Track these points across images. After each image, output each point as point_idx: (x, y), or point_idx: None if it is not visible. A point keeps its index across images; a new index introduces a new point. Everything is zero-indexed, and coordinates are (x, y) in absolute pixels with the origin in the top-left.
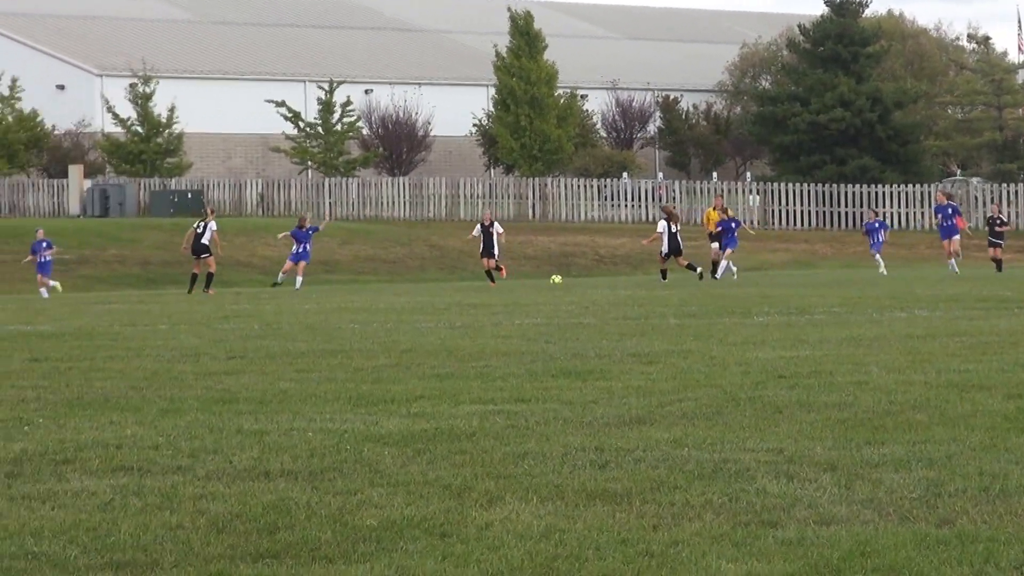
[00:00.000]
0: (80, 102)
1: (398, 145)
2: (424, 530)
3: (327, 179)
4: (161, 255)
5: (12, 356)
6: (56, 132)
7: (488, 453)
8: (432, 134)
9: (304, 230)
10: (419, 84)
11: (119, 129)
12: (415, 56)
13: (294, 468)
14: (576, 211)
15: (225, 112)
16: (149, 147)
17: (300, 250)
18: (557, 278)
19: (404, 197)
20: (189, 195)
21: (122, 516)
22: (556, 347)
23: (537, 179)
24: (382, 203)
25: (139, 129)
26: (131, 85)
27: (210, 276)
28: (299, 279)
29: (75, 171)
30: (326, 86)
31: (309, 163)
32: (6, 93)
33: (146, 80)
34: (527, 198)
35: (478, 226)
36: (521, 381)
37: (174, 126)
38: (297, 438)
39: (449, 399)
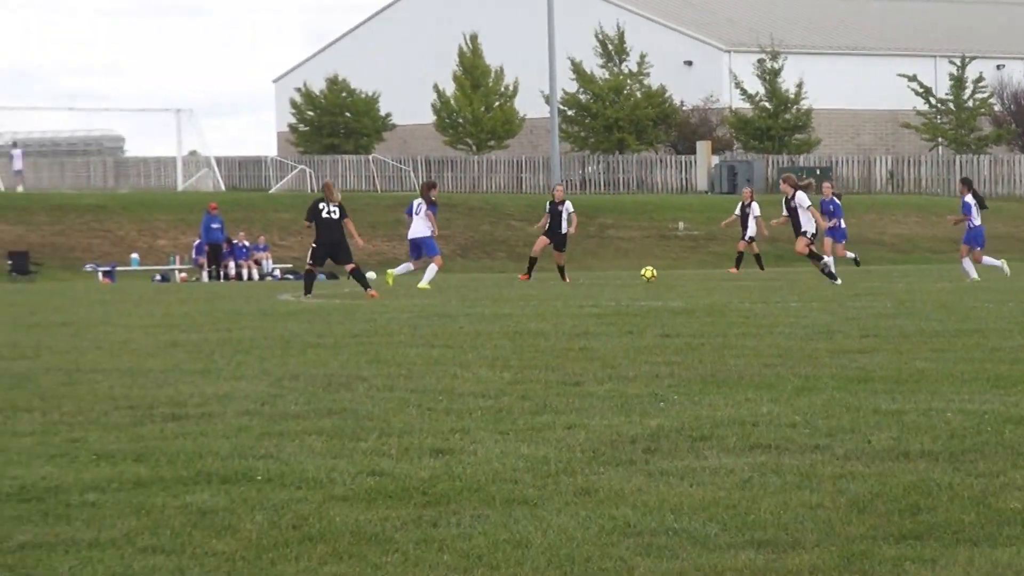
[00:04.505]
0: (707, 78)
1: None
2: None
3: (958, 156)
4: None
5: (645, 332)
6: (684, 108)
7: None
8: None
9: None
10: None
11: (746, 105)
12: None
13: (934, 449)
14: None
15: (854, 88)
16: (777, 123)
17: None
18: (649, 272)
19: None
20: (818, 171)
21: (761, 494)
22: None
23: None
24: (1014, 180)
25: (767, 105)
26: (759, 61)
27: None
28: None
29: (703, 147)
30: (957, 61)
31: (940, 139)
32: (635, 69)
33: (774, 56)
34: None
35: None
36: None
37: (802, 102)
38: (936, 418)
39: None
